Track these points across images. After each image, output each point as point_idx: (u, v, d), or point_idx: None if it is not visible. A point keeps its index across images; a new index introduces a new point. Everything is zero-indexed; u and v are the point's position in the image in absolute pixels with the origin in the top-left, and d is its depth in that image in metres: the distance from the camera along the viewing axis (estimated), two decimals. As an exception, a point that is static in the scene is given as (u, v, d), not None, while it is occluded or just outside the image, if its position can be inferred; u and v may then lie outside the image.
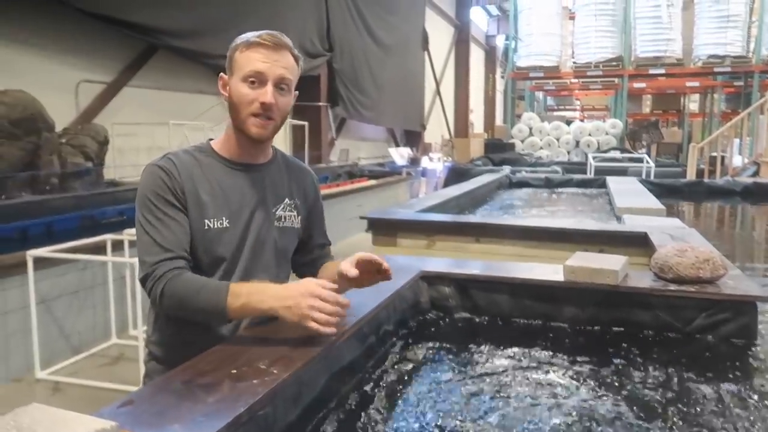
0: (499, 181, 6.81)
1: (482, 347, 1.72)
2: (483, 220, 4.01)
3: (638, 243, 2.80)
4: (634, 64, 13.66)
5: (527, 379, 1.51)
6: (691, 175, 8.64)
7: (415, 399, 1.41)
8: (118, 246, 4.28)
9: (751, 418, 1.31)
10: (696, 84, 15.60)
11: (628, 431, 1.27)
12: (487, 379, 1.51)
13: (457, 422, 1.29)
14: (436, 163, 14.15)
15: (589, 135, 13.22)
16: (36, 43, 6.25)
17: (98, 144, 6.25)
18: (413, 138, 16.84)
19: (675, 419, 1.31)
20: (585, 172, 9.14)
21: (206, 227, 1.38)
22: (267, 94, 1.35)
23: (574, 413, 1.33)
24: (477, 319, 1.95)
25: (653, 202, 4.48)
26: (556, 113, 23.08)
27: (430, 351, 1.69)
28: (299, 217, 1.55)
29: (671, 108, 19.80)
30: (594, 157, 10.16)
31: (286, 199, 1.52)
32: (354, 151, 13.06)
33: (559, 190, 6.89)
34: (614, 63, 13.67)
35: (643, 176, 8.32)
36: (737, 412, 1.33)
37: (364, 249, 3.43)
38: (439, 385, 1.48)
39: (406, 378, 1.51)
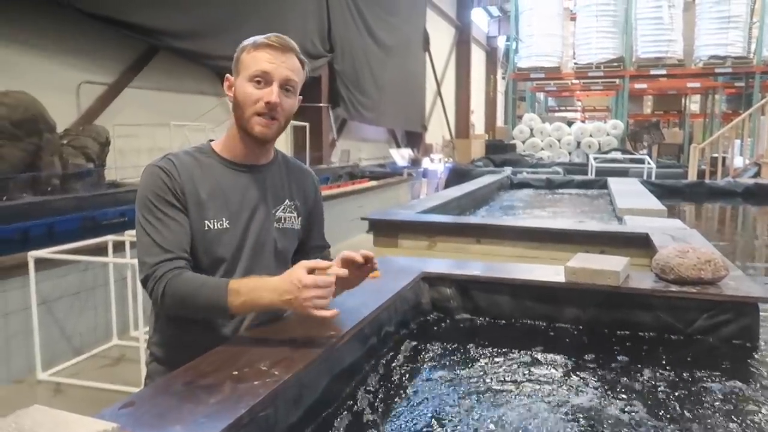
0: (500, 182, 6.81)
1: (483, 348, 1.72)
2: (484, 221, 4.01)
3: (639, 244, 2.80)
4: (635, 64, 13.66)
5: (528, 380, 1.51)
6: (692, 176, 8.63)
7: (416, 400, 1.41)
8: (119, 247, 4.28)
9: (753, 419, 1.31)
10: (697, 85, 15.60)
11: (629, 433, 1.27)
12: (489, 380, 1.51)
13: (459, 423, 1.29)
14: (437, 164, 14.15)
15: (590, 136, 13.22)
16: (37, 44, 6.26)
17: (99, 145, 6.26)
18: (414, 139, 16.84)
19: (676, 420, 1.30)
20: (586, 173, 9.14)
21: (206, 228, 1.38)
22: (272, 93, 1.36)
23: (575, 414, 1.33)
24: (478, 321, 1.95)
25: (654, 203, 4.48)
26: (557, 114, 23.09)
27: (431, 352, 1.69)
28: (299, 219, 1.55)
29: (672, 109, 19.79)
30: (595, 158, 10.16)
31: (287, 201, 1.52)
32: (355, 152, 13.07)
33: (560, 191, 6.89)
34: (615, 64, 13.67)
35: (644, 177, 8.32)
36: (739, 414, 1.33)
37: (366, 250, 3.42)
38: (441, 386, 1.48)
39: (407, 379, 1.51)
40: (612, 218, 4.48)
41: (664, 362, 1.60)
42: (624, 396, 1.42)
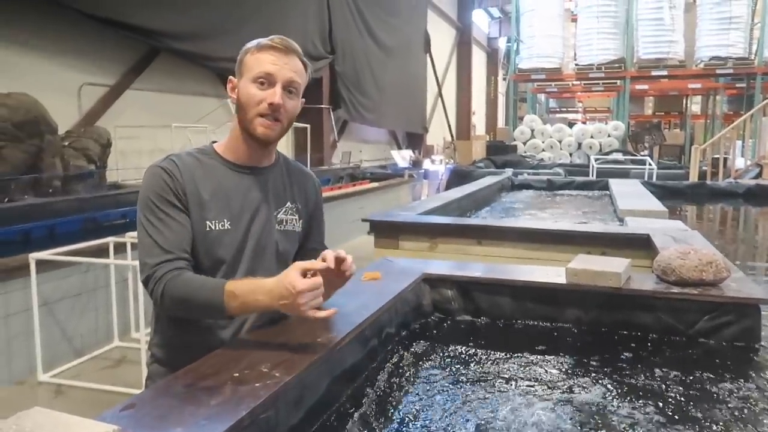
0: (501, 183, 6.81)
1: (484, 350, 1.72)
2: (485, 222, 4.01)
3: (641, 245, 2.79)
4: (636, 65, 13.65)
5: (530, 381, 1.51)
6: (693, 177, 8.62)
7: (417, 401, 1.41)
8: (120, 248, 4.28)
9: (755, 421, 1.31)
10: (698, 86, 15.58)
11: (631, 434, 1.27)
12: (490, 382, 1.51)
13: (460, 424, 1.29)
14: (438, 166, 14.15)
15: (591, 137, 13.21)
16: (39, 45, 6.27)
17: (101, 147, 6.27)
18: (415, 140, 16.85)
19: (678, 422, 1.30)
20: (587, 175, 9.13)
21: (208, 229, 1.38)
22: (276, 95, 1.36)
23: (576, 415, 1.33)
24: (479, 322, 1.94)
25: (656, 204, 4.47)
26: (558, 115, 23.09)
27: (432, 354, 1.69)
28: (301, 221, 1.55)
29: (673, 110, 19.78)
30: (596, 159, 10.15)
31: (288, 203, 1.52)
32: (356, 153, 13.08)
33: (561, 192, 6.88)
34: (616, 65, 13.66)
35: (646, 178, 8.31)
36: (741, 415, 1.33)
37: (367, 251, 3.42)
38: (442, 387, 1.48)
39: (408, 381, 1.51)
40: (613, 219, 4.48)
41: (665, 364, 1.60)
42: (625, 397, 1.41)
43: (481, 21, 24.12)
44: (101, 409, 1.01)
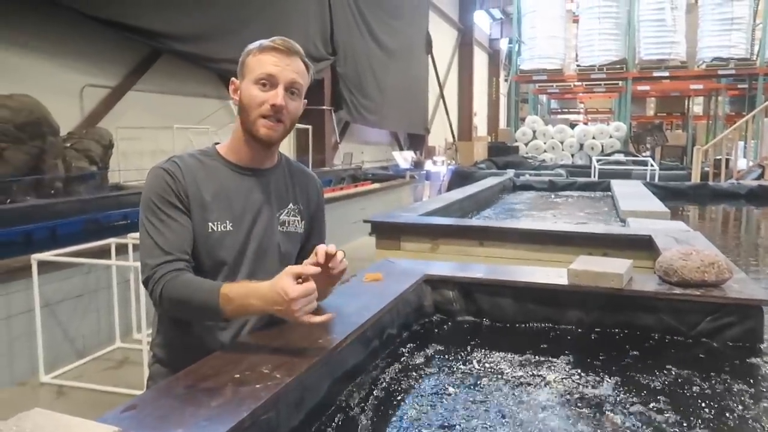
0: (502, 184, 6.80)
1: (486, 351, 1.71)
2: (487, 223, 4.01)
3: (643, 246, 2.79)
4: (638, 66, 13.64)
5: (531, 382, 1.51)
6: (695, 178, 8.60)
7: (418, 403, 1.40)
8: (122, 249, 4.29)
9: (758, 422, 1.30)
10: (700, 87, 15.55)
11: (633, 436, 1.26)
12: (491, 383, 1.51)
13: (461, 426, 1.29)
14: (439, 167, 14.15)
15: (593, 138, 13.20)
16: (41, 47, 6.29)
17: (103, 148, 6.28)
18: (417, 141, 16.86)
19: (680, 423, 1.30)
20: (589, 175, 9.12)
21: (209, 230, 1.39)
22: (278, 96, 1.36)
23: (578, 416, 1.32)
24: (481, 323, 1.94)
25: (657, 205, 4.47)
26: (559, 116, 23.08)
27: (434, 355, 1.69)
28: (302, 222, 1.55)
29: (675, 111, 19.75)
30: (598, 160, 10.14)
31: (290, 204, 1.52)
32: (358, 154, 13.08)
33: (563, 193, 6.87)
34: (618, 66, 13.65)
35: (648, 179, 8.29)
36: (742, 417, 1.32)
37: (368, 252, 3.42)
38: (443, 388, 1.48)
39: (409, 382, 1.51)
40: (615, 220, 4.47)
41: (667, 365, 1.59)
42: (628, 398, 1.41)
43: (482, 22, 24.12)
44: (103, 410, 1.01)
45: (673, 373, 1.55)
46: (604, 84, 15.29)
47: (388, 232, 3.42)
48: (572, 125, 15.10)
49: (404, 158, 14.19)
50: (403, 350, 1.69)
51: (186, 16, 7.54)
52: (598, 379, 1.52)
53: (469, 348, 1.74)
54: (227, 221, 1.40)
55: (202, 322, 1.41)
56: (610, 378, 1.52)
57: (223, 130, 7.83)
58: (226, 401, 1.05)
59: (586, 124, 18.96)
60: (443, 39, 19.15)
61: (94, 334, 4.33)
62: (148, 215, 1.36)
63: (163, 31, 7.16)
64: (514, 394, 1.45)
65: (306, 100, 1.48)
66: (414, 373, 1.56)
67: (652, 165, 9.54)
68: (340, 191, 8.97)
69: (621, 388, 1.47)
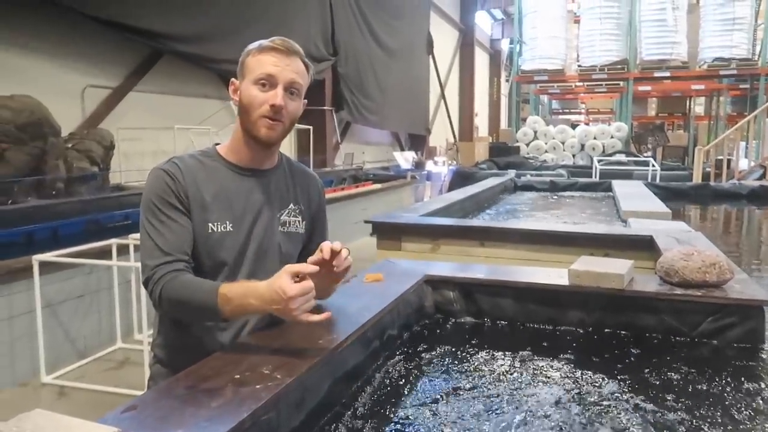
0: (503, 184, 6.80)
1: (486, 351, 1.71)
2: (488, 223, 4.00)
3: (644, 247, 2.79)
4: (639, 67, 13.62)
5: (532, 383, 1.51)
6: (696, 179, 8.60)
7: (419, 403, 1.40)
8: (123, 250, 4.29)
9: (760, 422, 1.30)
10: (701, 87, 15.53)
11: (634, 437, 1.26)
12: (492, 384, 1.50)
13: (462, 426, 1.29)
14: (440, 167, 14.15)
15: (594, 138, 13.18)
16: (42, 48, 6.29)
17: (104, 148, 6.28)
18: (418, 142, 16.86)
19: (681, 423, 1.30)
20: (590, 176, 9.10)
21: (210, 231, 1.39)
22: (277, 96, 1.36)
23: (578, 418, 1.32)
24: (481, 324, 1.94)
25: (659, 205, 4.46)
26: (561, 116, 23.06)
27: (435, 355, 1.69)
28: (304, 222, 1.55)
29: (677, 111, 19.73)
30: (599, 161, 10.12)
31: (291, 204, 1.52)
32: (359, 155, 13.08)
33: (564, 193, 6.87)
34: (619, 66, 13.63)
35: (649, 179, 8.29)
36: (744, 417, 1.32)
37: (369, 253, 3.42)
38: (444, 389, 1.48)
39: (410, 382, 1.51)
40: (616, 221, 4.47)
41: (668, 365, 1.59)
42: (629, 399, 1.41)
43: (483, 23, 24.12)
44: (104, 410, 1.01)
45: (675, 373, 1.55)
46: (606, 84, 15.28)
47: (389, 233, 3.42)
48: (573, 125, 15.06)
49: (405, 159, 14.19)
50: (404, 351, 1.69)
51: (187, 16, 7.54)
52: (599, 379, 1.52)
53: (469, 349, 1.73)
54: (227, 222, 1.40)
55: (202, 323, 1.41)
56: (611, 379, 1.52)
57: (224, 130, 7.83)
58: (227, 402, 1.05)
59: (587, 124, 18.94)
60: (444, 39, 19.15)
61: (95, 335, 4.33)
62: (148, 216, 1.36)
63: (164, 31, 7.17)
64: (514, 394, 1.45)
65: (306, 100, 1.48)
66: (414, 374, 1.56)
67: (653, 165, 9.52)
68: (341, 192, 8.97)
69: (622, 389, 1.46)
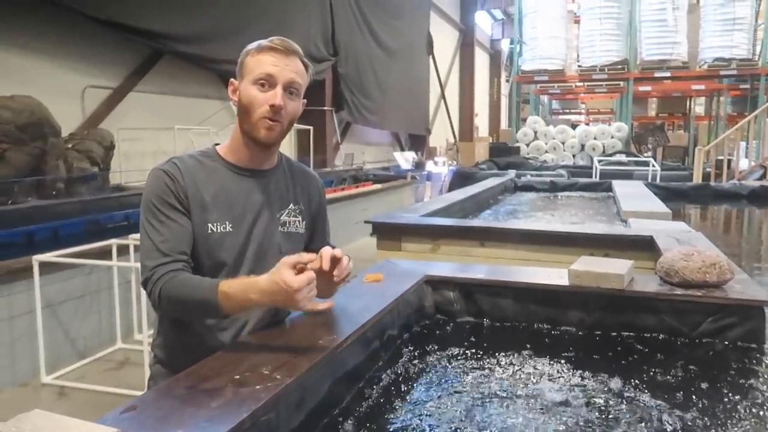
0: (504, 184, 6.80)
1: (486, 352, 1.71)
2: (488, 224, 4.00)
3: (644, 247, 2.79)
4: (639, 67, 13.61)
5: (532, 383, 1.50)
6: (697, 179, 8.60)
7: (419, 404, 1.40)
8: (123, 250, 4.29)
9: (760, 422, 1.30)
10: (702, 87, 15.52)
11: (634, 437, 1.26)
12: (492, 384, 1.50)
13: (462, 427, 1.29)
14: (440, 167, 14.15)
15: (595, 138, 13.18)
16: (42, 48, 6.29)
17: (104, 149, 6.28)
18: (418, 142, 16.86)
19: (682, 423, 1.29)
20: (590, 176, 9.10)
21: (209, 231, 1.39)
22: (276, 96, 1.36)
23: (579, 418, 1.32)
24: (482, 324, 1.94)
25: (659, 205, 4.46)
26: (561, 117, 23.05)
27: (435, 355, 1.69)
28: (304, 222, 1.54)
29: (677, 111, 19.72)
30: (599, 161, 10.12)
31: (291, 204, 1.52)
32: (359, 155, 13.08)
33: (565, 193, 6.86)
34: (619, 66, 13.63)
35: (649, 180, 8.29)
36: (744, 417, 1.32)
37: (369, 253, 3.42)
38: (444, 389, 1.48)
39: (410, 383, 1.51)
40: (616, 221, 4.46)
41: (669, 366, 1.59)
42: (629, 399, 1.41)
43: (483, 23, 24.12)
44: (104, 411, 1.01)
45: (675, 373, 1.55)
46: (606, 84, 15.28)
47: (389, 233, 3.42)
48: (573, 126, 15.06)
49: (405, 159, 14.19)
50: (404, 351, 1.69)
51: (187, 17, 7.54)
52: (599, 380, 1.52)
53: (469, 349, 1.73)
54: (227, 222, 1.40)
55: (202, 321, 1.41)
56: (611, 379, 1.52)
57: (225, 131, 7.84)
58: (227, 402, 1.04)
59: (587, 124, 18.94)
60: (444, 39, 19.16)
61: (95, 335, 4.33)
62: (148, 217, 1.36)
63: (164, 32, 7.17)
64: (514, 394, 1.45)
65: (305, 100, 1.48)
66: (415, 374, 1.56)
67: (653, 165, 9.52)
68: (341, 192, 8.97)
69: (623, 389, 1.46)
